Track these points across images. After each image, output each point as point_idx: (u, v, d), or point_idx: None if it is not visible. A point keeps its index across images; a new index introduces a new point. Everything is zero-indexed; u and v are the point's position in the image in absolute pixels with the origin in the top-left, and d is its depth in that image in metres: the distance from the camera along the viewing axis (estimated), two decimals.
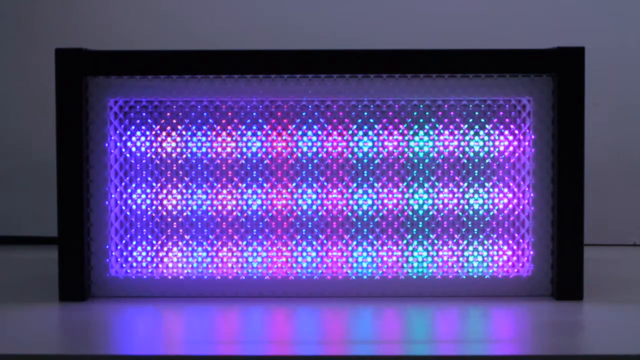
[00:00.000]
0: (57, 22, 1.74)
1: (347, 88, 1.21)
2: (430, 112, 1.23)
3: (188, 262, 1.23)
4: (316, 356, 0.97)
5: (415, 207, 1.23)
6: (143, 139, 1.23)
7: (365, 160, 1.23)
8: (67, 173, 1.19)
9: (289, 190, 1.23)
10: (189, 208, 1.24)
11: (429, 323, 1.12)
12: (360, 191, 1.23)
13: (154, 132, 1.23)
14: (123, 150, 1.23)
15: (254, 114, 1.23)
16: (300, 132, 1.23)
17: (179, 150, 1.23)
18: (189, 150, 1.23)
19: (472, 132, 1.23)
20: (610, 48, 1.70)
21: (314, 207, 1.23)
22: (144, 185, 1.24)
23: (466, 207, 1.24)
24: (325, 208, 1.23)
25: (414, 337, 1.07)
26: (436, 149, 1.23)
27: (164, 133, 1.23)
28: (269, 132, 1.23)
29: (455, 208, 1.24)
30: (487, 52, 1.20)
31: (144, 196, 1.23)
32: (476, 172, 1.23)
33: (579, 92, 1.19)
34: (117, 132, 1.23)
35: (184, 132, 1.23)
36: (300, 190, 1.23)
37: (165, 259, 1.24)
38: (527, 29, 1.70)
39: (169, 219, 1.24)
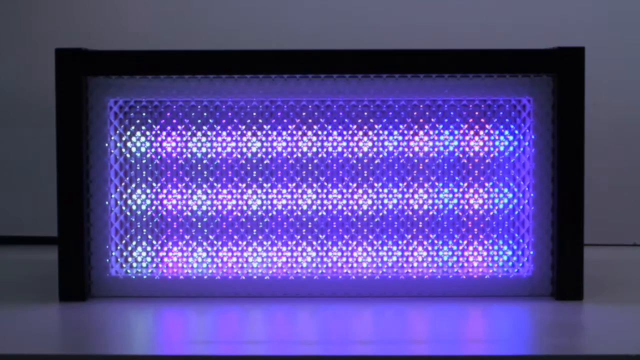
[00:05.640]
0: (57, 22, 1.74)
1: (347, 88, 1.21)
2: (430, 112, 1.23)
3: (188, 262, 1.23)
4: (316, 356, 0.97)
5: (415, 207, 1.23)
6: (143, 139, 1.23)
7: (365, 160, 1.23)
8: (67, 173, 1.19)
9: (289, 190, 1.23)
10: (189, 208, 1.24)
11: (429, 323, 1.12)
12: (360, 191, 1.23)
13: (154, 132, 1.23)
14: (123, 150, 1.23)
15: (254, 114, 1.23)
16: (300, 132, 1.23)
17: (179, 150, 1.23)
18: (189, 150, 1.23)
19: (472, 132, 1.23)
20: (610, 48, 1.70)
21: (314, 207, 1.23)
22: (144, 185, 1.23)
23: (466, 207, 1.24)
24: (325, 208, 1.23)
25: (414, 337, 1.06)
26: (436, 149, 1.23)
27: (164, 133, 1.23)
28: (269, 132, 1.23)
29: (455, 208, 1.24)
30: (487, 52, 1.20)
31: (144, 196, 1.23)
32: (476, 172, 1.23)
33: (579, 92, 1.19)
34: (117, 132, 1.23)
35: (184, 132, 1.23)
36: (300, 190, 1.23)
37: (165, 259, 1.24)
38: (527, 29, 1.70)
39: (169, 219, 1.24)
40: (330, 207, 1.23)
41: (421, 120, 1.23)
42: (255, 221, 1.23)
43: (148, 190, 1.24)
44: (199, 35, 1.72)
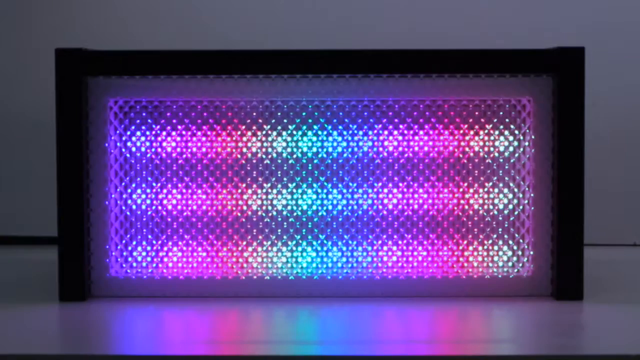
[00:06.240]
0: (57, 22, 1.74)
1: (347, 88, 1.21)
2: (430, 112, 1.23)
3: (188, 262, 1.23)
4: (316, 356, 0.97)
5: (415, 207, 1.23)
6: (143, 139, 1.23)
7: (365, 160, 1.23)
8: (67, 173, 1.19)
9: (289, 190, 1.23)
10: (189, 208, 1.24)
11: (429, 323, 1.12)
12: (360, 191, 1.23)
13: (154, 132, 1.23)
14: (123, 150, 1.23)
15: (254, 114, 1.23)
16: (300, 132, 1.23)
17: (179, 150, 1.23)
18: (189, 150, 1.23)
19: (472, 132, 1.23)
20: (610, 48, 1.70)
21: (314, 207, 1.23)
22: (144, 185, 1.23)
23: (466, 207, 1.24)
24: (325, 208, 1.23)
25: (413, 337, 1.06)
26: (436, 149, 1.23)
27: (164, 133, 1.23)
28: (269, 132, 1.23)
29: (455, 208, 1.24)
30: (487, 52, 1.20)
31: (144, 196, 1.23)
32: (476, 172, 1.23)
33: (579, 92, 1.19)
34: (117, 132, 1.23)
35: (184, 132, 1.23)
36: (300, 190, 1.23)
37: (165, 259, 1.24)
38: (527, 29, 1.70)
39: (169, 219, 1.24)
40: (330, 207, 1.23)
41: (421, 120, 1.23)
42: (255, 221, 1.23)
43: (148, 190, 1.24)
44: (199, 35, 1.72)
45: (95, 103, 1.21)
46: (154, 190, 1.24)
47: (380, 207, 1.23)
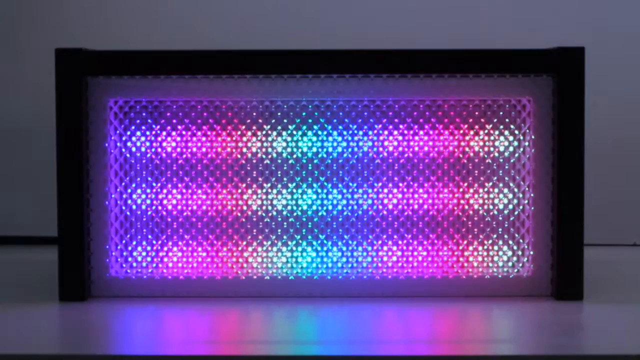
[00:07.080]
0: (57, 22, 1.74)
1: (347, 88, 1.21)
2: (430, 112, 1.23)
3: (188, 262, 1.23)
4: (316, 356, 0.97)
5: (415, 207, 1.23)
6: (143, 139, 1.23)
7: (365, 160, 1.23)
8: (67, 173, 1.19)
9: (289, 190, 1.23)
10: (189, 208, 1.24)
11: (429, 323, 1.12)
12: (360, 191, 1.23)
13: (154, 132, 1.23)
14: (123, 150, 1.23)
15: (254, 114, 1.23)
16: (300, 132, 1.23)
17: (178, 150, 1.23)
18: (189, 150, 1.23)
19: (472, 132, 1.23)
20: (610, 48, 1.70)
21: (314, 207, 1.23)
22: (144, 185, 1.23)
23: (466, 207, 1.23)
24: (325, 208, 1.23)
25: (413, 337, 1.06)
26: (436, 149, 1.23)
27: (164, 133, 1.23)
28: (269, 132, 1.23)
29: (455, 208, 1.24)
30: (487, 52, 1.20)
31: (144, 196, 1.23)
32: (476, 172, 1.23)
33: (579, 92, 1.19)
34: (117, 132, 1.23)
35: (184, 132, 1.23)
36: (300, 190, 1.23)
37: (165, 259, 1.24)
38: (527, 29, 1.70)
39: (169, 219, 1.24)
40: (330, 207, 1.23)
41: (421, 120, 1.23)
42: (255, 221, 1.23)
43: (148, 190, 1.24)
44: (199, 35, 1.72)
45: (95, 103, 1.21)
46: (154, 190, 1.24)
47: (380, 207, 1.23)
